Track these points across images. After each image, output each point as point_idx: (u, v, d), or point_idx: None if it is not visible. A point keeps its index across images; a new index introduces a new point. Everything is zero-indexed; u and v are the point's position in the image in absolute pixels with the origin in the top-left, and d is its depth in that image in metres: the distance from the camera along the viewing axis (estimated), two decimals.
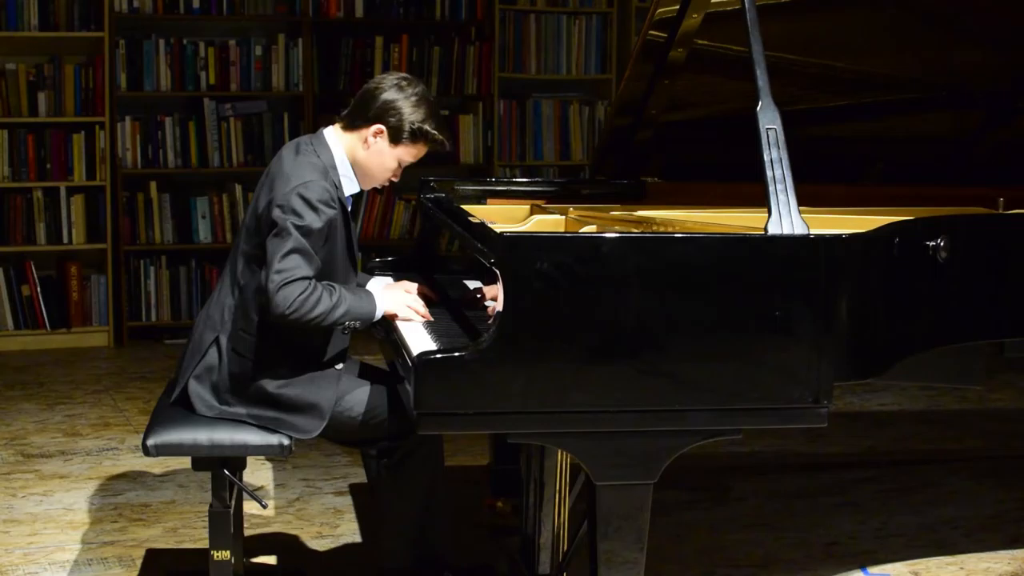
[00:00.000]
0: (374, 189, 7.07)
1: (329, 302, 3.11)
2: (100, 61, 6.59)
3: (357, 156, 3.27)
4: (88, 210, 6.69)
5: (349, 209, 3.29)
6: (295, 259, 3.08)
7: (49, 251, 6.71)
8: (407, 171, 3.38)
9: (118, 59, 6.67)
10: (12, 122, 6.54)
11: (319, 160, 3.21)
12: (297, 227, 3.09)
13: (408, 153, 3.27)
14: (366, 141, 3.25)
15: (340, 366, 3.28)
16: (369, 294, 3.25)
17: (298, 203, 3.11)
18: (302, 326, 3.12)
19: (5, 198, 6.58)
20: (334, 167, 3.24)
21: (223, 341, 3.27)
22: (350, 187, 3.28)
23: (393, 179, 3.33)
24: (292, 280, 3.06)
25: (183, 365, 3.35)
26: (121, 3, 6.65)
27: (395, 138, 3.24)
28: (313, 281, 3.10)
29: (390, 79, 3.27)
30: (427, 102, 3.26)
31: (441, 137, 3.27)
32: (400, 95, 3.23)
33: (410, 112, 3.22)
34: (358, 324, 3.19)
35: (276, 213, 3.13)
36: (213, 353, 3.27)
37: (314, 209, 3.12)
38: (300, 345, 3.23)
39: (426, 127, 3.23)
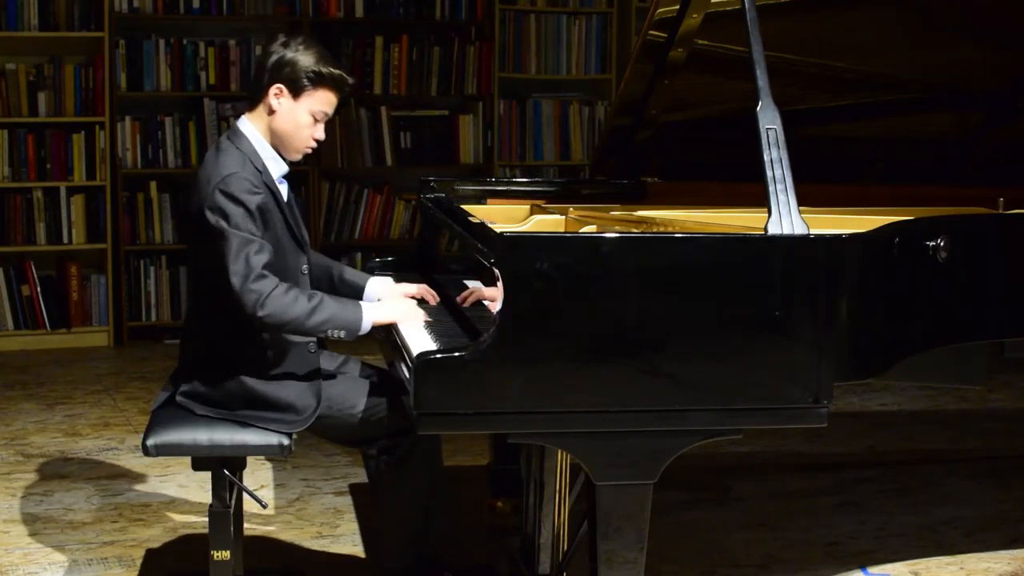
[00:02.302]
0: (374, 191, 7.14)
1: (307, 305, 3.07)
2: (100, 61, 6.60)
3: (271, 127, 3.23)
4: (88, 210, 6.69)
5: (285, 192, 3.26)
6: (246, 253, 3.05)
7: (49, 251, 6.72)
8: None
9: (118, 59, 6.67)
10: (12, 122, 6.54)
11: (238, 151, 3.18)
12: (233, 224, 3.07)
13: (316, 101, 3.21)
14: (271, 108, 3.21)
15: (312, 346, 3.26)
16: (356, 304, 3.21)
17: (222, 200, 3.09)
18: (279, 329, 3.10)
19: (5, 198, 6.58)
20: (255, 153, 3.20)
21: (203, 352, 3.26)
22: (277, 168, 3.25)
23: (317, 139, 3.27)
24: (257, 276, 3.04)
25: (172, 379, 3.35)
26: (121, 3, 6.66)
27: (295, 90, 3.19)
28: (287, 284, 3.08)
29: (273, 44, 3.23)
30: (315, 48, 3.22)
31: (339, 72, 3.22)
32: (286, 50, 3.20)
33: (301, 60, 3.18)
34: (343, 334, 3.14)
35: (208, 216, 3.10)
36: (199, 367, 3.27)
37: (238, 202, 3.08)
38: (268, 339, 3.21)
39: (320, 68, 3.19)
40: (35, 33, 6.53)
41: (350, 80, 3.27)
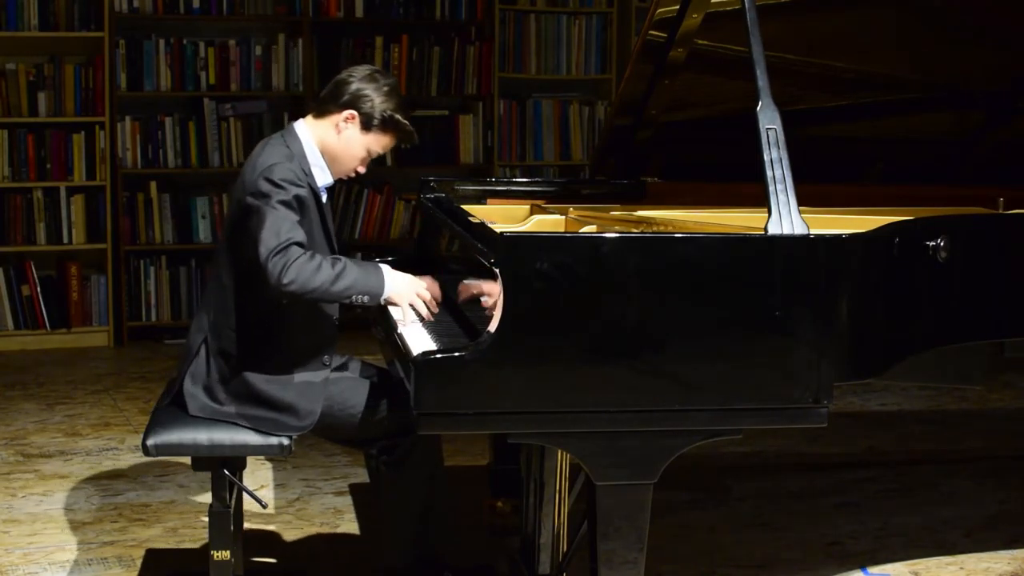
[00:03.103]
0: (374, 191, 7.14)
1: (331, 271, 3.07)
2: (100, 61, 6.59)
3: (327, 143, 3.29)
4: (88, 210, 6.69)
5: (324, 199, 3.29)
6: (281, 228, 3.07)
7: (49, 251, 6.71)
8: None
9: (118, 59, 6.67)
10: (12, 122, 6.54)
11: (287, 149, 3.24)
12: (271, 205, 3.10)
13: (377, 142, 3.30)
14: (337, 127, 3.28)
15: (327, 358, 3.27)
16: (378, 268, 3.19)
17: (265, 185, 3.13)
18: (304, 297, 3.09)
19: (5, 198, 6.58)
20: (303, 155, 3.26)
21: (211, 342, 3.27)
22: (322, 177, 3.29)
23: (360, 169, 3.35)
24: (284, 246, 3.05)
25: (178, 369, 3.35)
26: (121, 3, 6.65)
27: (366, 125, 3.27)
28: (310, 251, 3.10)
29: (362, 69, 3.33)
30: (398, 93, 3.31)
31: (411, 128, 3.32)
32: (372, 84, 3.28)
33: (382, 101, 3.26)
34: (366, 299, 3.14)
35: (248, 200, 3.15)
36: (203, 355, 3.28)
37: (281, 187, 3.13)
38: (286, 341, 3.23)
39: (397, 116, 3.28)
40: (35, 33, 6.52)
41: (416, 139, 3.38)
